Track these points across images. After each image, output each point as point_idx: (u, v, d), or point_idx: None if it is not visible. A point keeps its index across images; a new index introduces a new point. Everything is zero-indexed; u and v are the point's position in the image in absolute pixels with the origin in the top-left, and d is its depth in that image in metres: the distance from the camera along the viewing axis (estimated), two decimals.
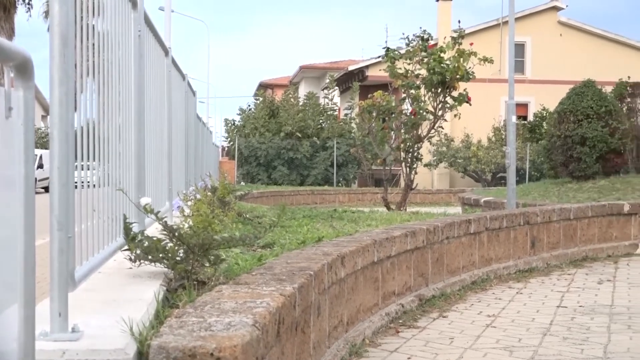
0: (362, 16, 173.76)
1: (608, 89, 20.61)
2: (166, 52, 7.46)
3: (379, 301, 5.90)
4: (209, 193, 7.91)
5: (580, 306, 6.95)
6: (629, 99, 20.84)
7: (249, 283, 3.63)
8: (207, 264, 4.06)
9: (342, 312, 5.00)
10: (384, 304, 5.99)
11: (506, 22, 17.44)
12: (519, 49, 36.38)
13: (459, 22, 15.02)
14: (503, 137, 32.25)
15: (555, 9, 38.78)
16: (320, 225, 7.87)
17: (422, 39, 14.39)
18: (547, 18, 38.57)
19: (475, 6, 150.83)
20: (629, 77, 21.89)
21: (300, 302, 3.71)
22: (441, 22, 36.63)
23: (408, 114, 14.38)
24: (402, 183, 15.14)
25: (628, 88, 20.94)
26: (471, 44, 14.09)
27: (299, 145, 34.09)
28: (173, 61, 8.12)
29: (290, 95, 37.06)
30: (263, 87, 56.44)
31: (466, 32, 15.16)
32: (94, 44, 3.79)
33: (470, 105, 14.24)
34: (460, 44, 14.08)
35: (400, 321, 6.09)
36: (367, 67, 37.68)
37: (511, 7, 15.93)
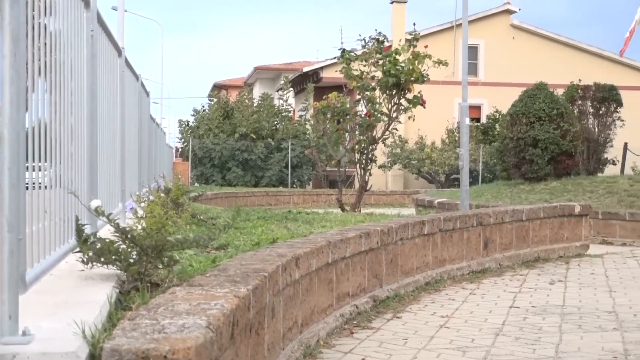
0: (316, 18, 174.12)
1: (560, 91, 20.86)
2: (119, 52, 7.40)
3: (334, 302, 5.91)
4: (163, 194, 7.86)
5: (532, 306, 7.02)
6: (579, 102, 21.12)
7: (203, 285, 3.61)
8: (161, 266, 4.03)
9: (296, 314, 5.00)
10: (338, 305, 5.99)
11: (460, 25, 17.60)
12: (473, 51, 36.70)
13: (414, 24, 15.12)
14: (456, 138, 32.50)
15: (508, 12, 39.20)
16: (274, 226, 7.86)
17: (378, 41, 14.45)
18: (500, 21, 38.97)
19: (430, 8, 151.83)
20: (580, 80, 22.18)
21: (254, 304, 3.70)
22: (396, 24, 36.84)
23: (363, 115, 14.43)
24: (357, 184, 15.18)
25: (579, 91, 21.22)
26: (426, 46, 14.18)
27: (254, 147, 34.02)
28: (126, 61, 8.05)
29: (245, 96, 36.98)
30: (217, 88, 56.20)
31: (420, 34, 15.26)
32: (45, 43, 3.74)
33: (425, 108, 14.33)
34: (415, 46, 14.16)
35: (355, 322, 6.10)
36: (321, 68, 37.75)
37: (465, 10, 16.07)
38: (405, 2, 38.85)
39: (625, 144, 21.76)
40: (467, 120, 15.73)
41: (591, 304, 7.19)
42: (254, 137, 34.33)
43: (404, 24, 36.11)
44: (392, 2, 38.96)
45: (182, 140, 37.11)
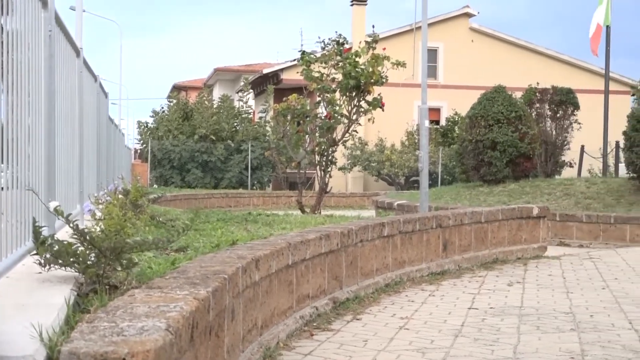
0: (277, 19, 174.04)
1: (518, 94, 21.08)
2: (78, 52, 7.33)
3: (294, 304, 5.90)
4: (121, 196, 7.81)
5: (490, 308, 7.07)
6: (537, 105, 21.35)
7: (162, 287, 3.59)
8: (120, 268, 4.00)
9: (256, 316, 4.99)
10: (298, 307, 5.99)
11: (419, 28, 17.70)
12: (432, 54, 36.93)
13: (373, 26, 15.18)
14: (416, 141, 32.65)
15: (467, 15, 39.51)
16: (234, 228, 7.83)
17: (338, 43, 14.48)
18: (459, 24, 39.25)
19: (390, 11, 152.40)
20: (537, 83, 22.42)
21: (214, 306, 3.68)
22: (355, 26, 36.95)
23: (323, 117, 14.44)
24: (317, 186, 15.19)
25: (537, 94, 21.46)
26: (384, 48, 14.26)
27: (213, 148, 33.91)
28: (85, 62, 7.98)
29: (205, 98, 36.85)
30: (177, 89, 55.89)
31: (380, 36, 15.33)
32: (2, 43, 3.70)
33: (384, 110, 14.39)
34: (375, 48, 14.22)
35: (315, 324, 6.10)
36: (282, 70, 37.74)
37: (424, 13, 16.17)
38: (365, 4, 38.98)
39: (582, 147, 22.03)
40: (427, 123, 15.84)
41: (549, 305, 7.26)
42: (214, 138, 34.22)
43: (364, 26, 36.24)
44: (352, 4, 39.07)
45: (141, 141, 36.88)
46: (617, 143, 20.46)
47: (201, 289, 3.56)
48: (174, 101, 37.30)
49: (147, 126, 36.63)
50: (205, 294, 3.49)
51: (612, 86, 26.34)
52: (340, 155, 29.30)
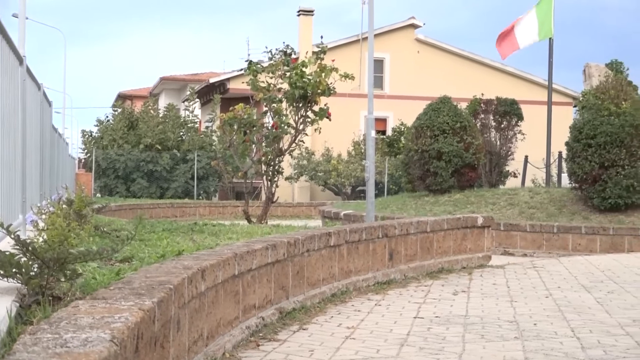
0: (224, 29, 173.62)
1: (463, 105, 21.31)
2: (20, 60, 7.23)
3: (240, 314, 5.88)
4: (65, 206, 7.70)
5: (436, 317, 7.11)
6: (482, 115, 21.60)
7: (106, 298, 3.55)
8: (63, 279, 3.95)
9: (202, 326, 4.96)
10: (244, 317, 5.97)
11: (366, 38, 17.83)
12: (378, 64, 37.13)
13: (322, 37, 15.23)
14: (362, 151, 32.79)
15: (413, 26, 39.83)
16: (180, 238, 7.78)
17: (285, 53, 14.49)
18: (405, 35, 39.55)
19: (337, 21, 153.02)
20: (482, 94, 22.69)
21: (159, 317, 3.66)
22: (302, 36, 37.02)
23: (269, 127, 14.43)
24: (264, 196, 15.17)
25: (481, 104, 21.71)
26: (333, 60, 14.31)
27: (159, 158, 33.66)
28: (28, 70, 7.88)
29: (150, 107, 36.58)
30: (122, 98, 55.47)
31: (327, 47, 15.38)
32: None
33: (330, 120, 14.43)
34: (322, 59, 14.26)
35: (261, 334, 6.08)
36: (228, 79, 37.65)
37: (370, 24, 16.27)
38: (312, 14, 39.08)
39: (526, 157, 22.33)
40: (373, 133, 15.93)
41: (493, 313, 7.33)
42: (160, 148, 33.98)
43: (310, 36, 36.37)
44: (298, 14, 39.15)
45: (85, 151, 36.46)
46: (560, 153, 20.78)
47: (146, 300, 3.53)
48: (119, 110, 36.95)
49: (91, 135, 36.24)
50: (150, 304, 3.46)
51: (555, 97, 26.77)
52: (287, 165, 29.27)
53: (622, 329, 6.58)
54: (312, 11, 39.21)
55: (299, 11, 39.22)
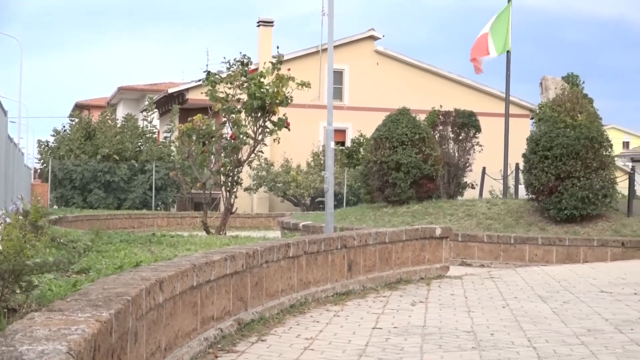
0: (183, 39, 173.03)
1: (422, 117, 21.43)
2: None
3: (198, 326, 5.85)
4: (21, 217, 7.62)
5: (394, 327, 7.14)
6: (440, 127, 21.76)
7: (63, 310, 3.52)
8: (19, 291, 3.90)
9: (160, 338, 4.92)
10: (202, 329, 5.94)
11: (326, 50, 17.87)
12: (338, 76, 37.22)
13: (278, 47, 15.25)
14: (322, 162, 32.82)
15: (373, 38, 39.99)
16: (138, 249, 7.74)
17: (243, 63, 14.49)
18: (364, 47, 39.69)
19: (298, 32, 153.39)
20: (441, 105, 22.85)
21: (117, 329, 3.63)
22: (262, 47, 37.00)
23: (228, 138, 14.41)
24: (222, 207, 15.11)
25: (440, 116, 21.87)
26: (288, 69, 14.33)
27: (117, 168, 33.40)
28: None
29: (108, 117, 36.30)
30: (79, 107, 55.01)
31: (287, 58, 15.45)
32: None
33: (289, 130, 14.45)
34: (279, 69, 14.29)
35: (219, 346, 6.06)
36: (187, 90, 37.50)
37: (330, 35, 16.32)
38: (272, 25, 39.10)
39: (484, 169, 22.51)
40: (332, 144, 15.96)
41: (451, 324, 7.37)
42: (117, 158, 33.71)
43: (270, 47, 36.30)
44: (258, 25, 39.14)
45: (42, 161, 36.05)
46: (517, 165, 20.99)
47: (103, 311, 3.50)
48: (76, 120, 36.61)
49: (47, 145, 35.85)
50: (107, 316, 3.43)
51: (512, 110, 27.03)
52: (246, 175, 29.23)
53: (578, 339, 6.66)
54: (272, 22, 39.23)
55: (258, 22, 39.21)
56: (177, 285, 5.26)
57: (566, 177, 16.19)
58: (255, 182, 34.54)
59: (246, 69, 14.40)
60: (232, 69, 14.49)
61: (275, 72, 14.20)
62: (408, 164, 19.04)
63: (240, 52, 14.58)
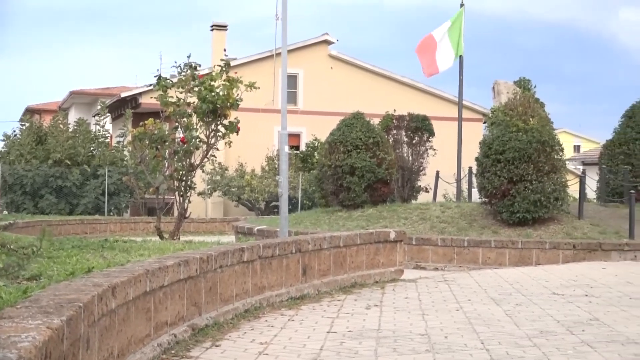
0: (136, 43, 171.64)
1: (376, 121, 21.50)
2: None
3: (151, 332, 5.80)
4: None
5: (349, 331, 7.15)
6: (394, 131, 21.85)
7: (13, 317, 3.47)
8: None
9: (112, 344, 4.88)
10: (156, 335, 5.90)
11: (279, 54, 17.89)
12: (292, 80, 37.21)
13: (225, 50, 15.22)
14: (276, 166, 32.76)
15: (327, 42, 40.04)
16: (90, 255, 7.65)
17: (192, 67, 14.43)
18: (318, 51, 39.73)
19: (252, 36, 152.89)
20: (394, 110, 22.95)
21: (68, 335, 3.58)
22: (216, 51, 36.83)
23: (179, 142, 14.34)
24: (176, 212, 15.02)
25: (394, 120, 21.96)
26: (235, 72, 14.33)
27: (69, 173, 33.00)
28: None
29: (60, 121, 35.86)
30: (30, 112, 54.22)
31: (241, 62, 15.46)
32: None
33: (238, 135, 14.42)
34: (228, 72, 14.28)
35: (173, 352, 6.02)
36: (140, 94, 37.21)
37: (284, 39, 16.31)
38: (226, 30, 39.00)
39: (437, 172, 22.64)
40: (287, 148, 15.94)
41: (405, 327, 7.40)
42: (69, 163, 33.32)
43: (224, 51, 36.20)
44: (212, 29, 39.03)
45: None
46: (470, 169, 21.15)
47: (55, 318, 3.46)
48: (27, 125, 36.14)
49: None
50: (59, 323, 3.39)
51: (465, 114, 27.24)
52: (200, 180, 29.11)
53: (530, 340, 6.73)
54: (226, 26, 39.13)
55: (212, 26, 39.09)
56: (130, 291, 5.21)
57: (518, 181, 16.36)
58: (209, 186, 34.39)
59: (196, 73, 14.35)
60: (182, 73, 14.44)
61: (225, 75, 14.19)
62: (362, 168, 19.09)
63: (188, 56, 14.47)
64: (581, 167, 39.19)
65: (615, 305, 9.00)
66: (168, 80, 14.49)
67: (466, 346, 6.47)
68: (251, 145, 34.64)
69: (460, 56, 22.56)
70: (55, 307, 3.76)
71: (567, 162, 22.89)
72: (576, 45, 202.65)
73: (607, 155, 20.51)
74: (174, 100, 14.22)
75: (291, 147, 35.47)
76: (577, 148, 76.62)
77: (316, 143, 34.42)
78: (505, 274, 12.48)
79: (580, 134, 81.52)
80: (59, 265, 6.31)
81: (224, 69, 14.27)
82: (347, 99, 36.46)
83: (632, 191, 16.90)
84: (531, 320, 7.90)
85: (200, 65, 14.67)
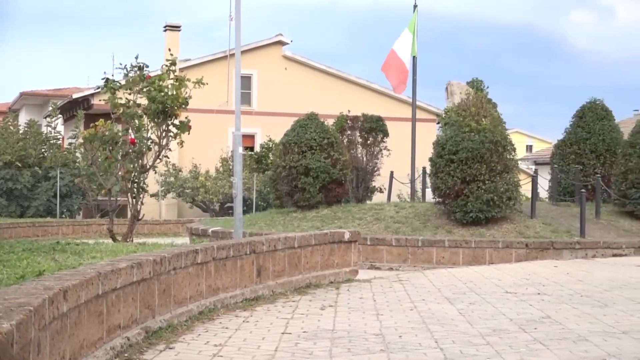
0: (89, 44, 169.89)
1: (330, 121, 21.53)
2: None
3: (104, 335, 5.75)
4: None
5: (304, 332, 7.15)
6: (349, 132, 21.91)
7: None
8: None
9: (64, 348, 4.82)
10: (109, 338, 5.84)
11: (233, 55, 17.80)
12: (246, 81, 37.13)
13: (170, 49, 15.14)
14: (231, 167, 32.63)
15: (281, 43, 40.00)
16: (41, 258, 7.56)
17: (140, 68, 14.33)
18: (272, 52, 39.68)
19: (206, 37, 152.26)
20: (349, 110, 23.01)
21: (18, 340, 3.53)
22: (169, 52, 36.61)
23: (130, 143, 14.23)
24: (129, 214, 14.90)
25: (348, 121, 22.02)
26: (183, 72, 14.28)
27: (19, 175, 32.56)
28: None
29: (10, 123, 35.38)
30: None
31: (195, 62, 15.43)
32: None
33: (189, 134, 14.35)
34: (174, 71, 14.23)
35: (126, 355, 5.96)
36: (92, 95, 36.83)
37: (237, 40, 16.27)
38: (179, 30, 38.78)
39: (392, 173, 22.74)
40: (241, 149, 15.90)
41: (360, 327, 7.42)
42: (20, 165, 32.87)
43: (177, 52, 35.98)
44: (165, 30, 38.79)
45: None
46: (424, 169, 21.27)
47: (4, 322, 3.41)
48: None
49: None
50: (8, 327, 3.34)
51: (419, 114, 27.41)
52: (154, 182, 28.91)
53: (483, 339, 6.78)
54: (179, 27, 38.90)
55: (165, 26, 38.84)
56: (82, 294, 5.15)
57: (472, 181, 16.49)
58: (163, 188, 34.17)
59: (143, 73, 14.26)
60: (129, 74, 14.33)
61: (172, 74, 14.14)
62: (317, 169, 19.10)
63: (136, 57, 14.35)
64: (533, 167, 39.65)
65: (566, 303, 9.11)
66: (116, 82, 14.37)
67: (420, 345, 6.50)
68: (205, 146, 34.50)
69: (414, 57, 22.68)
70: (5, 311, 3.71)
71: (519, 162, 23.14)
72: (528, 47, 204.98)
73: (559, 155, 20.76)
74: (123, 101, 14.12)
75: (245, 148, 35.35)
76: (529, 148, 77.52)
77: (271, 144, 34.34)
78: (459, 273, 12.58)
79: (533, 134, 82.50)
80: (9, 269, 6.23)
81: (170, 68, 14.22)
82: (301, 99, 36.46)
83: (583, 190, 17.14)
84: (484, 318, 7.96)
85: (148, 66, 14.56)
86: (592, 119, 20.36)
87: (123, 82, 14.39)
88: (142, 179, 14.25)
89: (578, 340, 6.76)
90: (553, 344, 6.57)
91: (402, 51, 22.55)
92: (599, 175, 18.57)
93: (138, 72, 14.23)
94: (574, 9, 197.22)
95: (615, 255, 15.77)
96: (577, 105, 21.01)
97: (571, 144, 20.39)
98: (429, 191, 20.42)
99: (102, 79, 14.42)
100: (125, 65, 14.36)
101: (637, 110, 48.82)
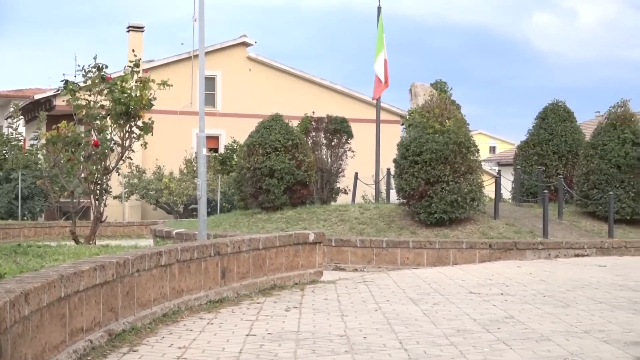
0: (52, 44, 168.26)
1: (295, 123, 21.50)
2: None
3: (67, 338, 5.69)
4: None
5: (268, 333, 7.13)
6: (313, 133, 21.91)
7: None
8: None
9: (26, 352, 4.77)
10: (71, 341, 5.79)
11: (197, 56, 17.74)
12: (210, 82, 36.99)
13: (133, 50, 15.07)
14: (195, 169, 32.49)
15: (245, 44, 39.91)
16: (2, 261, 7.48)
17: (99, 68, 14.24)
18: (236, 53, 39.57)
19: (170, 38, 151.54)
20: (313, 112, 23.00)
21: None
22: (132, 53, 36.39)
23: (93, 145, 14.14)
24: (92, 216, 14.79)
25: (313, 122, 22.02)
26: (145, 71, 14.22)
27: None
28: None
29: None
30: None
31: (159, 64, 15.37)
32: None
33: (152, 135, 14.27)
34: (138, 72, 14.14)
35: (89, 358, 5.91)
36: (54, 96, 36.46)
37: (201, 41, 16.18)
38: (143, 31, 38.53)
39: (356, 174, 22.77)
40: (205, 151, 15.83)
41: (325, 328, 7.42)
42: None
43: (141, 52, 35.76)
44: (128, 30, 38.53)
45: None
46: (389, 170, 21.32)
47: None
48: None
49: None
50: None
51: (384, 116, 27.47)
52: (117, 183, 28.70)
53: (447, 339, 6.81)
54: (143, 27, 38.66)
55: (128, 27, 38.58)
56: (44, 296, 5.11)
57: (435, 182, 16.56)
58: (126, 189, 33.94)
59: (103, 75, 14.16)
60: (88, 75, 14.22)
61: (136, 75, 14.06)
62: (281, 170, 19.07)
63: (95, 58, 14.23)
64: (497, 168, 39.95)
65: (529, 303, 9.19)
66: (76, 84, 14.25)
67: (385, 346, 6.52)
68: (169, 147, 34.34)
69: (385, 59, 22.67)
70: None
71: (483, 163, 23.31)
72: (491, 48, 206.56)
73: (522, 156, 20.94)
74: (84, 103, 14.02)
75: (210, 150, 35.29)
76: (492, 149, 78.09)
77: (235, 145, 34.25)
78: (424, 274, 12.63)
79: (496, 136, 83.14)
80: None
81: (133, 69, 14.14)
82: (265, 101, 36.41)
83: (546, 191, 17.30)
84: (448, 319, 8.00)
85: (107, 67, 14.46)
86: (554, 121, 20.56)
87: (83, 84, 14.29)
88: (105, 180, 14.16)
89: (541, 340, 6.82)
90: (516, 344, 6.62)
91: (379, 62, 22.56)
92: (561, 176, 18.77)
93: (97, 73, 14.13)
94: (537, 11, 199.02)
95: (577, 255, 15.94)
96: (540, 106, 21.25)
97: (534, 145, 20.57)
98: (393, 192, 20.48)
99: (62, 80, 14.31)
100: (84, 66, 14.26)
101: (599, 111, 49.29)
